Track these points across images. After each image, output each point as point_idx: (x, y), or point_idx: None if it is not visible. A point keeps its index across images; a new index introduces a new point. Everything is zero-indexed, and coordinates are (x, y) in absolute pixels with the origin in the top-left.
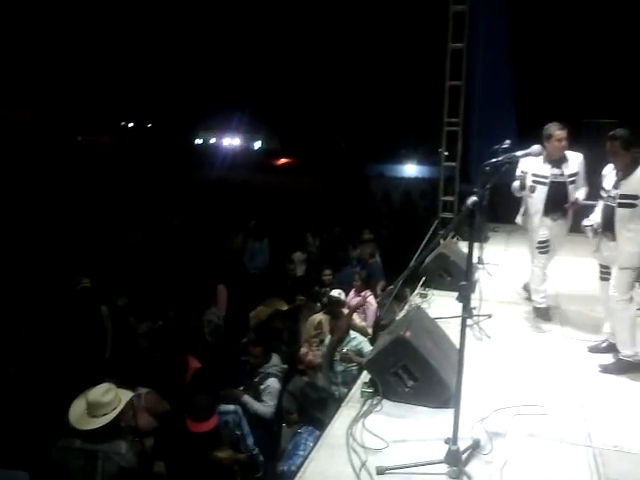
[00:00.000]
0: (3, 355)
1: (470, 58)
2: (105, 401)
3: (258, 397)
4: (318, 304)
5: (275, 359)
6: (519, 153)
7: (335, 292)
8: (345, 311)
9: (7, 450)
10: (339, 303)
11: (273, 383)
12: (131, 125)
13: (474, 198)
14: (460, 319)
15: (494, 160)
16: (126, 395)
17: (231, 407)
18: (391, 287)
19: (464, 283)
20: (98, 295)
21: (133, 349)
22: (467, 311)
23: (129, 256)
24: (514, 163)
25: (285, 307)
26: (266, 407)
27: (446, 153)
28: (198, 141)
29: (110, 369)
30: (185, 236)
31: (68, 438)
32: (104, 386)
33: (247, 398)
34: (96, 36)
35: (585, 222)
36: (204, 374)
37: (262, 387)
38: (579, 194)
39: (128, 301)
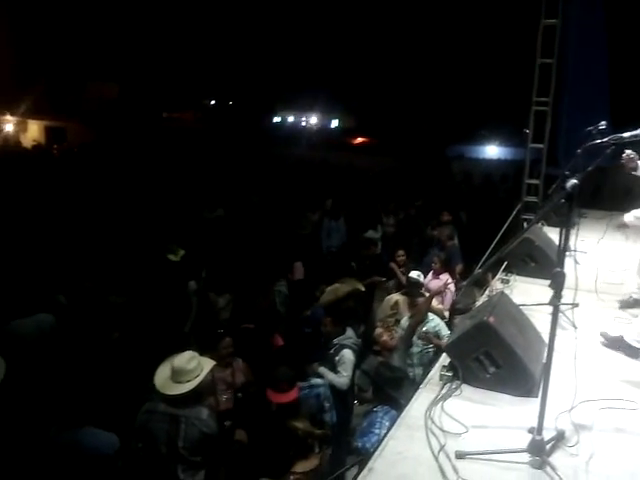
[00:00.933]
0: (101, 321)
1: (563, 35)
2: (189, 368)
3: (333, 369)
4: (390, 283)
5: (350, 332)
6: (626, 134)
7: (414, 274)
8: (423, 293)
9: (98, 412)
10: (418, 285)
11: (347, 354)
12: (213, 103)
13: (574, 181)
14: (544, 307)
15: (597, 141)
16: (208, 363)
17: (321, 381)
18: (479, 271)
19: (558, 270)
20: (187, 270)
21: (214, 323)
22: (559, 299)
23: (209, 231)
24: (619, 145)
25: (362, 288)
26: (341, 378)
27: (526, 131)
28: (276, 119)
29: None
30: (263, 213)
31: (152, 402)
32: (188, 354)
33: (323, 369)
34: (180, 16)
35: None
36: (287, 349)
37: (337, 359)
38: None
39: (207, 275)
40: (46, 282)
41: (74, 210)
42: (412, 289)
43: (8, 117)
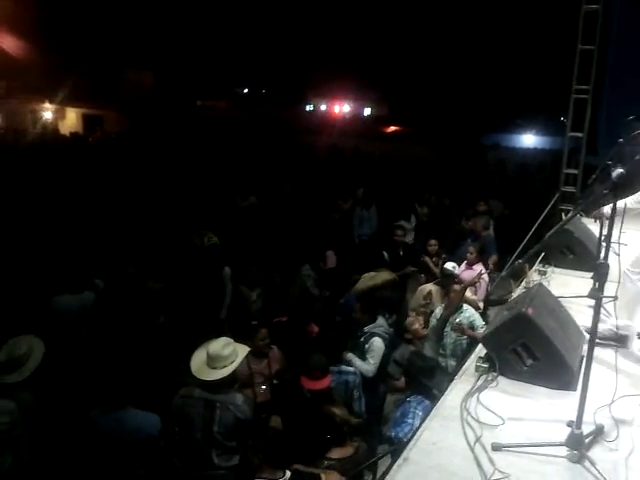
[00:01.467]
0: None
1: (605, 21)
2: (225, 354)
3: (362, 356)
4: (422, 275)
5: (381, 320)
6: None
7: (449, 265)
8: (457, 284)
9: (137, 394)
10: (452, 276)
11: (377, 342)
12: (246, 91)
13: (620, 171)
14: (582, 299)
15: None
16: (244, 350)
17: (351, 368)
18: (519, 262)
19: (602, 262)
20: (222, 255)
21: (247, 314)
22: (601, 291)
23: (242, 218)
24: None
25: (396, 278)
26: (368, 365)
27: (562, 119)
28: (309, 107)
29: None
30: (296, 201)
31: (188, 387)
32: (224, 339)
33: (351, 355)
34: (215, 5)
35: None
36: (323, 337)
37: (366, 346)
38: None
39: (237, 268)
40: (86, 265)
41: (113, 197)
42: (446, 280)
43: (47, 105)
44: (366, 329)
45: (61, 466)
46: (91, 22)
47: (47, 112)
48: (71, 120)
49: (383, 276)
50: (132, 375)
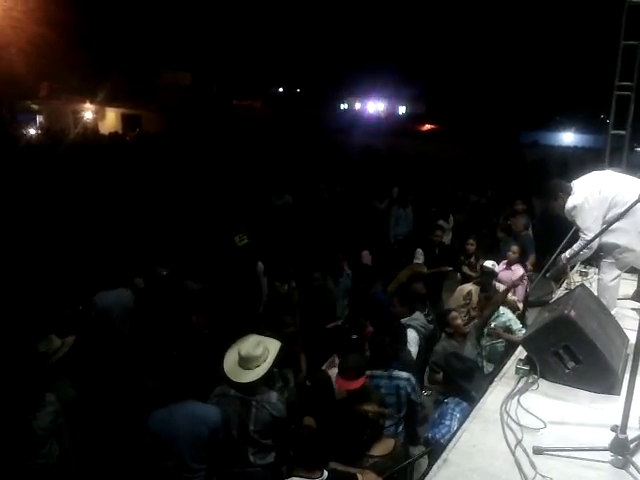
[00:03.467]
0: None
1: None
2: (257, 354)
3: None
4: (459, 274)
5: (418, 314)
6: None
7: (489, 263)
8: (497, 284)
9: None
10: (492, 275)
11: (410, 334)
12: (281, 90)
13: None
14: (627, 301)
15: None
16: (274, 345)
17: (404, 374)
18: (563, 264)
19: None
20: (255, 252)
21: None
22: None
23: (277, 217)
24: None
25: (425, 270)
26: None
27: (603, 116)
28: (343, 106)
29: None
30: (331, 200)
31: (223, 386)
32: (253, 338)
33: None
34: (250, 6)
35: None
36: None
37: None
38: None
39: (271, 264)
40: (123, 263)
41: (151, 196)
42: (486, 278)
43: (87, 105)
44: (402, 321)
45: (107, 461)
46: (130, 24)
47: (87, 112)
48: (110, 120)
49: (407, 272)
50: (190, 369)
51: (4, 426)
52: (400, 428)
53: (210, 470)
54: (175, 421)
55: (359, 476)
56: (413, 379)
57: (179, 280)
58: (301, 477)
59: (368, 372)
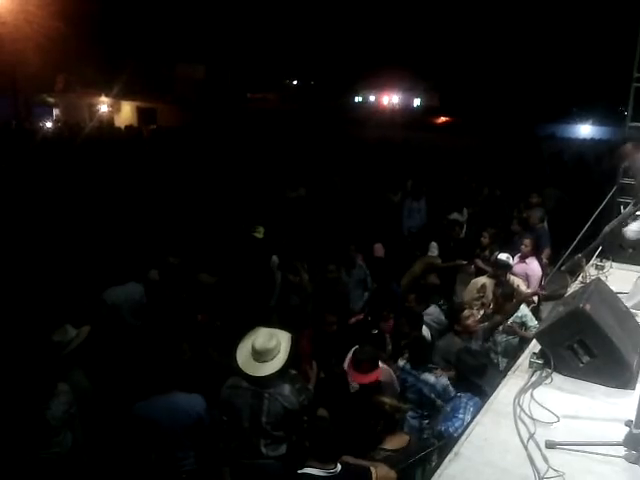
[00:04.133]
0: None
1: None
2: (271, 347)
3: None
4: (472, 267)
5: (432, 309)
6: None
7: (503, 255)
8: (511, 277)
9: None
10: (507, 267)
11: (423, 330)
12: (295, 83)
13: None
14: None
15: None
16: (285, 336)
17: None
18: (579, 256)
19: None
20: (270, 245)
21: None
22: None
23: (291, 209)
24: None
25: (439, 262)
26: None
27: (621, 108)
28: (357, 99)
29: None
30: (345, 193)
31: (235, 377)
32: (266, 331)
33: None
34: (264, 1)
35: None
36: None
37: None
38: None
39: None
40: (134, 257)
41: (166, 189)
42: (500, 271)
43: (103, 98)
44: None
45: (113, 450)
46: (144, 17)
47: (103, 105)
48: (126, 113)
49: (420, 265)
50: (176, 360)
51: (18, 416)
52: (425, 422)
53: (200, 457)
54: (156, 412)
55: (372, 469)
56: (439, 385)
57: (193, 271)
58: (314, 468)
59: (400, 363)
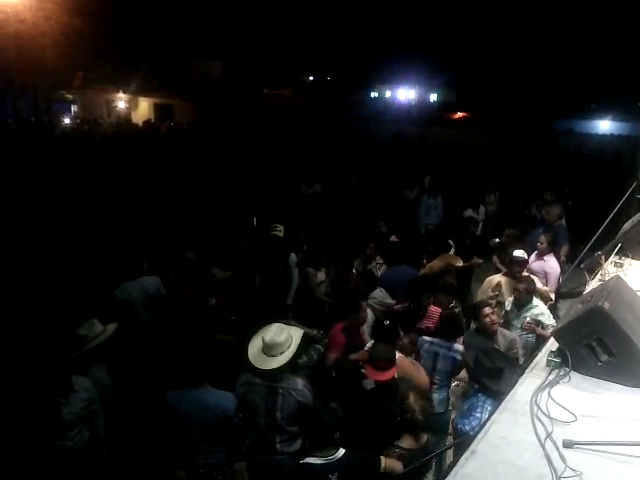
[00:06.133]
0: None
1: None
2: (280, 341)
3: None
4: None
5: (377, 292)
6: None
7: (518, 252)
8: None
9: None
10: (522, 263)
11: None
12: (311, 79)
13: None
14: None
15: None
16: (298, 333)
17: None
18: (598, 253)
19: None
20: (289, 243)
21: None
22: None
23: (307, 206)
24: None
25: (460, 263)
26: None
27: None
28: (374, 94)
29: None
30: (359, 189)
31: (249, 374)
32: (277, 326)
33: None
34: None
35: None
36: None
37: None
38: None
39: (306, 250)
40: (149, 252)
41: (183, 185)
42: (515, 267)
43: (120, 94)
44: None
45: (136, 443)
46: (161, 13)
47: (121, 102)
48: (143, 109)
49: (439, 264)
50: (208, 355)
51: (34, 407)
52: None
53: (230, 453)
54: (186, 405)
55: (382, 458)
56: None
57: (208, 266)
58: (314, 457)
59: (428, 338)
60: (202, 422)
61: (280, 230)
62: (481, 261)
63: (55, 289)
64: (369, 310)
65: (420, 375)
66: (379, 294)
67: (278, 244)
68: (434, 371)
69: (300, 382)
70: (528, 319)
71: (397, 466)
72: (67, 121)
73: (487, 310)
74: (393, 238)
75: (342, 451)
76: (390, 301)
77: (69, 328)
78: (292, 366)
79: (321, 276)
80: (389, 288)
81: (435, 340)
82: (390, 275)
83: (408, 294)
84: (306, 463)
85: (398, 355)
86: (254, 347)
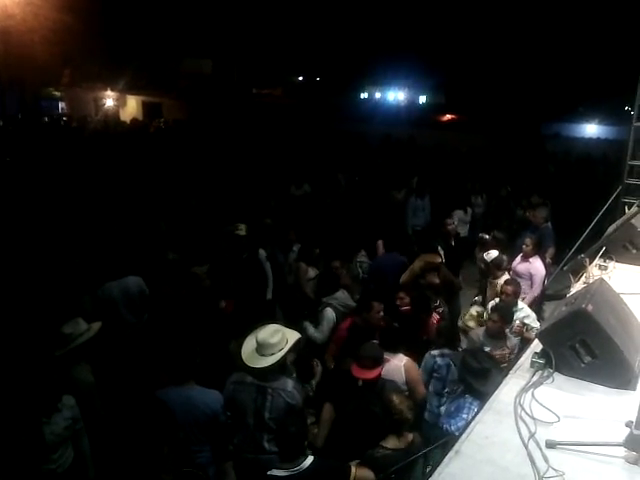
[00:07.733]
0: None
1: None
2: (273, 342)
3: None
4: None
5: (339, 293)
6: None
7: (493, 253)
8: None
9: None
10: (500, 264)
11: (328, 313)
12: (300, 79)
13: None
14: None
15: None
16: (293, 335)
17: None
18: (582, 256)
19: None
20: (254, 240)
21: (300, 294)
22: None
23: (296, 206)
24: None
25: (439, 260)
26: (317, 333)
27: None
28: (364, 95)
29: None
30: (348, 190)
31: (240, 373)
32: (273, 327)
33: (306, 324)
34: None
35: None
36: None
37: (320, 316)
38: None
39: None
40: (128, 252)
41: (167, 184)
42: (494, 269)
43: (108, 92)
44: (323, 300)
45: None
46: (150, 11)
47: (109, 99)
48: (131, 107)
49: (419, 264)
50: (195, 352)
51: (14, 428)
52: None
53: (217, 452)
54: (171, 403)
55: (352, 467)
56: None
57: (187, 266)
58: (279, 469)
59: (436, 352)
60: (188, 421)
61: (242, 229)
62: (487, 237)
63: (40, 288)
64: (331, 309)
65: (421, 387)
66: (341, 295)
67: (240, 243)
68: (446, 382)
69: (290, 383)
70: (517, 322)
71: (368, 475)
72: (54, 118)
73: (472, 313)
74: (379, 243)
75: (309, 460)
76: (352, 303)
77: (54, 327)
78: (282, 367)
79: (312, 273)
80: (379, 274)
81: (445, 351)
82: (381, 261)
83: (397, 281)
84: (270, 475)
85: (408, 361)
86: (248, 347)
